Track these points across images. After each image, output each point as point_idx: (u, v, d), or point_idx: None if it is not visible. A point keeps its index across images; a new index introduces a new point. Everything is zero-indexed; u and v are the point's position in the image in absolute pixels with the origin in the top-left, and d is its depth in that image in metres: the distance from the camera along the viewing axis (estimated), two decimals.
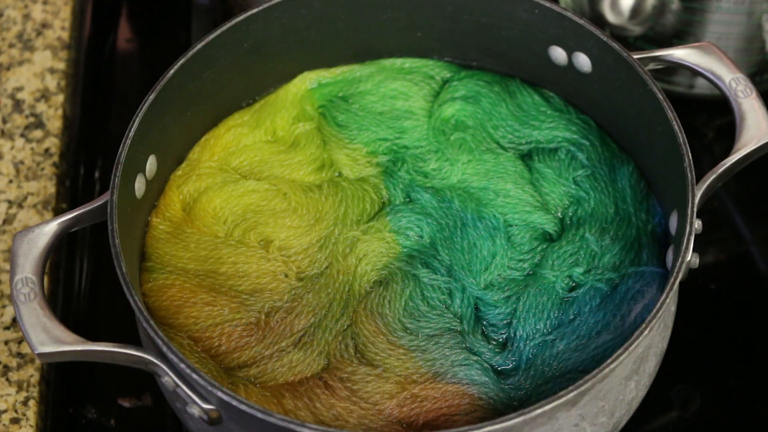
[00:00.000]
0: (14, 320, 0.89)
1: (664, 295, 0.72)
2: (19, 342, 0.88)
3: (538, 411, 0.69)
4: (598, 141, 0.87)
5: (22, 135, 0.99)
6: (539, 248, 0.83)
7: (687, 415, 0.89)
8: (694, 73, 0.82)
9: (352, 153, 0.87)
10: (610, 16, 0.99)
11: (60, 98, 1.01)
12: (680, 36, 0.97)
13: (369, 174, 0.87)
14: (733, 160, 0.78)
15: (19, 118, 0.99)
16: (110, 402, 0.90)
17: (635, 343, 0.71)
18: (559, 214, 0.85)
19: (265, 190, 0.86)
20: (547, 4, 0.84)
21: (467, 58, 0.91)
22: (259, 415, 0.69)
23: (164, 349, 0.71)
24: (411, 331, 0.80)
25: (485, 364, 0.78)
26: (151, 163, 0.83)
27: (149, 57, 1.13)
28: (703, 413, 0.89)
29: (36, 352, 0.72)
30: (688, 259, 0.74)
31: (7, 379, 0.87)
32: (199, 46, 0.83)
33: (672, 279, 0.73)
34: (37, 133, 0.99)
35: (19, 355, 0.88)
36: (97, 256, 0.98)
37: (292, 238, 0.83)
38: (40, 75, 1.02)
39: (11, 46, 1.04)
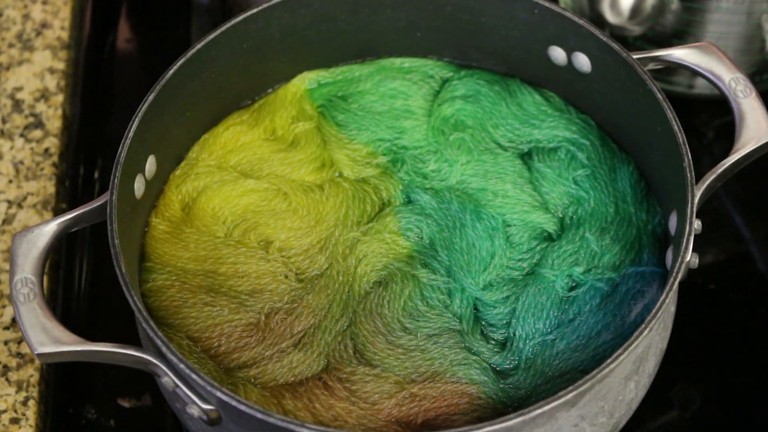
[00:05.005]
0: (14, 320, 0.89)
1: (663, 295, 0.72)
2: (19, 342, 0.88)
3: (538, 411, 0.69)
4: (598, 141, 0.87)
5: (22, 135, 0.98)
6: (538, 248, 0.83)
7: (687, 415, 0.89)
8: (694, 73, 0.82)
9: (352, 153, 0.87)
10: (610, 16, 0.99)
11: (60, 98, 1.01)
12: (680, 36, 0.97)
13: (369, 175, 0.87)
14: (733, 160, 0.78)
15: (19, 118, 0.99)
16: (110, 402, 0.90)
17: (635, 343, 0.71)
18: (559, 214, 0.84)
19: (265, 189, 0.85)
20: (547, 4, 0.84)
21: (467, 58, 0.91)
22: (259, 415, 0.69)
23: (164, 349, 0.71)
24: (410, 331, 0.80)
25: (484, 364, 0.78)
26: (150, 163, 0.83)
27: (149, 57, 1.13)
28: (703, 413, 0.89)
29: (35, 352, 0.72)
30: (688, 259, 0.74)
31: (7, 379, 0.86)
32: (199, 46, 0.83)
33: (671, 279, 0.73)
34: (37, 133, 0.99)
35: (19, 355, 0.88)
36: (97, 256, 0.98)
37: (293, 239, 0.83)
38: (40, 75, 1.02)
39: (11, 46, 1.04)
